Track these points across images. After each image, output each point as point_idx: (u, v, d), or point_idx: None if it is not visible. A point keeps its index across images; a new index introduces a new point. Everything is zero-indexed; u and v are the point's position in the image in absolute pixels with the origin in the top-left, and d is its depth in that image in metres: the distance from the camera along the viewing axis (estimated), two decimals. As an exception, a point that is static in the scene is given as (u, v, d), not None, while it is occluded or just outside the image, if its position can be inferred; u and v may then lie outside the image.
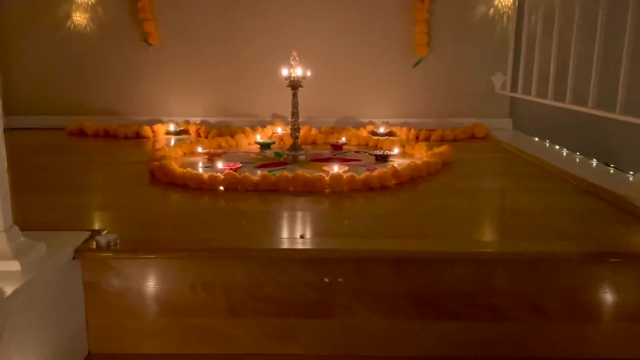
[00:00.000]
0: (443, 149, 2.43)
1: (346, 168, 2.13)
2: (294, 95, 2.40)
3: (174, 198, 1.90)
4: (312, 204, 1.82)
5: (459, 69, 3.43)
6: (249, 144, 2.91)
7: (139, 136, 3.14)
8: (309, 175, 1.96)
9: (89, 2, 3.38)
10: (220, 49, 3.44)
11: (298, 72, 2.34)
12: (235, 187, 1.94)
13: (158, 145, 2.84)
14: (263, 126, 3.20)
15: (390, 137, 2.96)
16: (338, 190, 1.93)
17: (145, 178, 2.12)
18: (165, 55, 3.44)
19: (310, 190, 1.93)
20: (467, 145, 2.96)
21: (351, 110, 3.47)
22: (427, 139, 3.08)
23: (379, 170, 2.04)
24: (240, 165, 2.23)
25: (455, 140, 3.08)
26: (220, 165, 2.21)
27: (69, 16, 3.39)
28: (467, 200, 1.88)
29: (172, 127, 3.24)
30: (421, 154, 2.52)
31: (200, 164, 2.37)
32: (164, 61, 3.45)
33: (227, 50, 3.44)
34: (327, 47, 3.40)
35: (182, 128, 3.27)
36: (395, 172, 2.04)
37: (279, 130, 3.16)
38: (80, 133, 3.21)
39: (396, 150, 2.53)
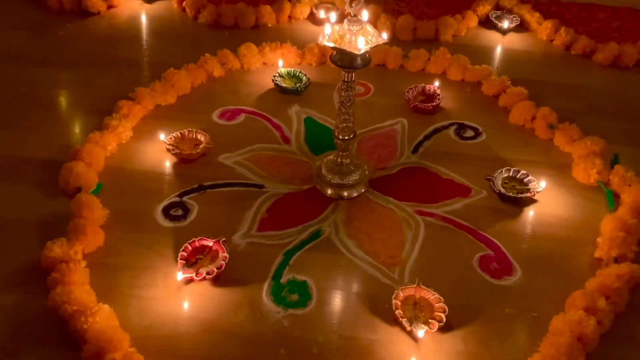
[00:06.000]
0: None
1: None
2: (346, 84, 1.09)
3: None
4: None
5: None
6: (265, 63, 1.62)
7: (82, 9, 1.81)
8: None
9: None
10: None
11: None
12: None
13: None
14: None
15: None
16: None
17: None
18: None
19: None
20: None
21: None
22: (586, 56, 1.72)
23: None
24: (221, 267, 1.03)
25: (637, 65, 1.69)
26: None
27: None
28: None
29: (141, -10, 1.86)
30: (588, 177, 1.26)
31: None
32: None
33: None
34: None
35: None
36: None
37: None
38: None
39: (543, 184, 1.25)
